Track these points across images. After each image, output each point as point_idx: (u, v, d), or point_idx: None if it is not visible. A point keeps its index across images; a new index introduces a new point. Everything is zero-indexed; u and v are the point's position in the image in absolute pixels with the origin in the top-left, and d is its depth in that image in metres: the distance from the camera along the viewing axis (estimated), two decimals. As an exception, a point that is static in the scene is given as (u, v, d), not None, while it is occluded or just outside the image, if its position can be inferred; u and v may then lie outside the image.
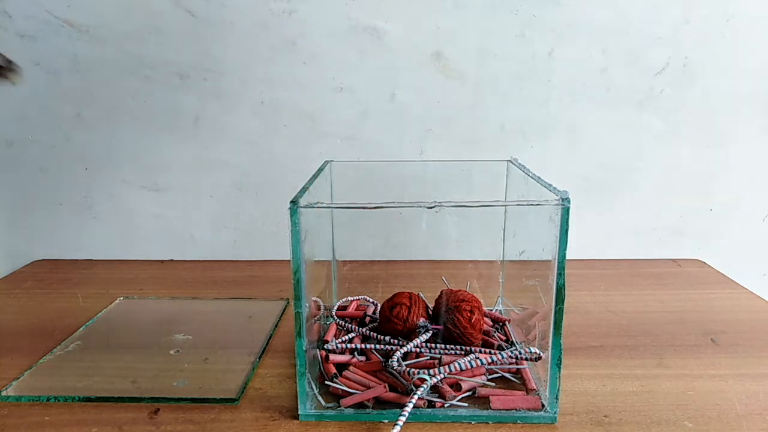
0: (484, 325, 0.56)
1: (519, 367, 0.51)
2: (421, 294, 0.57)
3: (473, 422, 0.45)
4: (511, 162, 0.61)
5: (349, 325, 0.57)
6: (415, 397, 0.44)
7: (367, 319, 0.61)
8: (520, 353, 0.49)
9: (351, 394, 0.47)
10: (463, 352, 0.51)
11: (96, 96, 0.82)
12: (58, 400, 0.48)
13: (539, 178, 0.49)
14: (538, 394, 0.47)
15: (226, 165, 0.84)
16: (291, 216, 0.42)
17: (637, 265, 0.84)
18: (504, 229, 0.64)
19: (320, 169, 0.57)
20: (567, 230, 0.42)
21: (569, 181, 0.84)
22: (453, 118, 0.82)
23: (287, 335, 0.61)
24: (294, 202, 0.42)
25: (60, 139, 0.83)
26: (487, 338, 0.55)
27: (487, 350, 0.51)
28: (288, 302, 0.70)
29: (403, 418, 0.42)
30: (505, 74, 0.80)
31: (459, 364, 0.47)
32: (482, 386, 0.49)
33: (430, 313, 0.57)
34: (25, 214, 0.87)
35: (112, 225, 0.87)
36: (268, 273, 0.82)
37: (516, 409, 0.46)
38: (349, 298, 0.65)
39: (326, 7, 0.78)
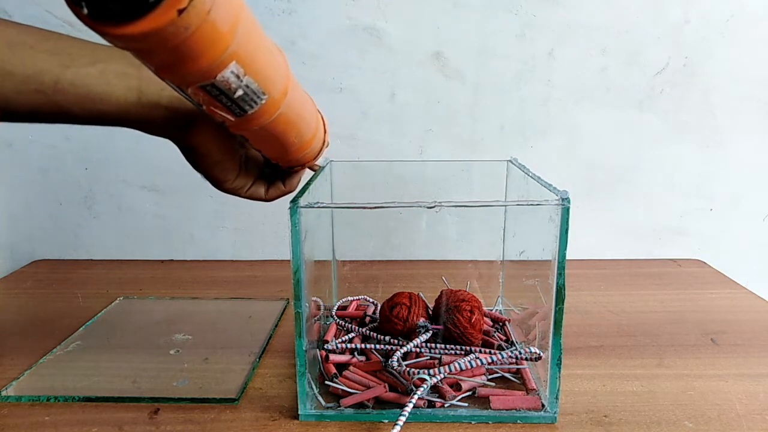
0: (484, 325, 0.56)
1: (519, 367, 0.51)
2: (421, 294, 0.57)
3: (473, 422, 0.45)
4: (511, 162, 0.61)
5: (349, 325, 0.57)
6: (415, 397, 0.44)
7: (367, 319, 0.61)
8: (520, 353, 0.49)
9: (351, 394, 0.47)
10: (463, 352, 0.51)
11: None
12: (58, 400, 0.48)
13: (539, 178, 0.49)
14: (538, 394, 0.47)
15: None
16: (291, 216, 0.42)
17: (637, 265, 0.84)
18: (504, 229, 0.64)
19: (320, 169, 0.57)
20: (567, 230, 0.42)
21: (569, 181, 0.84)
22: (453, 118, 0.82)
23: (287, 335, 0.61)
24: (294, 202, 0.42)
25: (60, 139, 0.83)
26: (487, 338, 0.55)
27: (487, 350, 0.51)
28: (288, 302, 0.70)
29: (403, 418, 0.42)
30: (505, 74, 0.80)
31: (459, 364, 0.47)
32: (482, 386, 0.49)
33: (430, 313, 0.57)
34: (25, 214, 0.87)
35: (112, 225, 0.87)
36: (268, 273, 0.82)
37: (516, 409, 0.46)
38: (349, 298, 0.65)
39: (326, 7, 0.78)
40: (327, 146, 0.50)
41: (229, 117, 0.32)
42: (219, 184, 0.46)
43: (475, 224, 0.73)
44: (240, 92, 0.29)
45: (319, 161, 0.50)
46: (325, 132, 0.48)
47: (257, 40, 0.29)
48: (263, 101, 0.32)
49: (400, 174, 0.72)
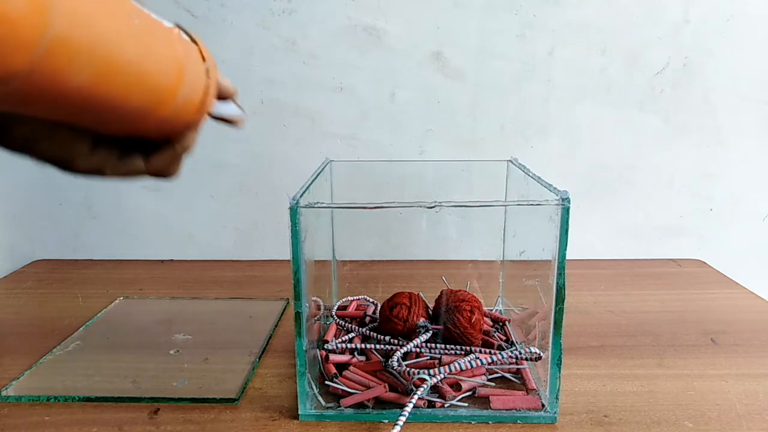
0: (484, 325, 0.56)
1: (519, 367, 0.51)
2: (421, 294, 0.57)
3: (473, 422, 0.45)
4: (511, 162, 0.61)
5: (349, 325, 0.57)
6: (415, 397, 0.44)
7: (367, 319, 0.61)
8: (520, 353, 0.49)
9: (351, 394, 0.47)
10: (463, 352, 0.51)
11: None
12: (58, 400, 0.48)
13: (539, 178, 0.49)
14: (538, 394, 0.47)
15: (226, 165, 0.84)
16: (291, 216, 0.42)
17: (637, 265, 0.84)
18: (504, 229, 0.64)
19: (320, 169, 0.57)
20: (567, 230, 0.42)
21: (569, 181, 0.84)
22: (453, 118, 0.82)
23: (287, 335, 0.61)
24: (294, 202, 0.42)
25: (60, 139, 0.83)
26: (487, 338, 0.55)
27: (487, 350, 0.51)
28: (288, 302, 0.69)
29: (403, 418, 0.42)
30: (505, 74, 0.80)
31: (459, 364, 0.47)
32: (482, 386, 0.49)
33: (430, 313, 0.57)
34: (25, 214, 0.87)
35: (112, 225, 0.87)
36: (268, 273, 0.82)
37: (516, 409, 0.46)
38: (349, 298, 0.65)
39: (326, 7, 0.78)
40: (234, 93, 0.34)
41: None
42: (66, 165, 0.29)
43: (475, 224, 0.73)
44: None
45: (228, 111, 0.33)
46: (208, 80, 0.30)
47: None
48: None
49: (400, 174, 0.72)
